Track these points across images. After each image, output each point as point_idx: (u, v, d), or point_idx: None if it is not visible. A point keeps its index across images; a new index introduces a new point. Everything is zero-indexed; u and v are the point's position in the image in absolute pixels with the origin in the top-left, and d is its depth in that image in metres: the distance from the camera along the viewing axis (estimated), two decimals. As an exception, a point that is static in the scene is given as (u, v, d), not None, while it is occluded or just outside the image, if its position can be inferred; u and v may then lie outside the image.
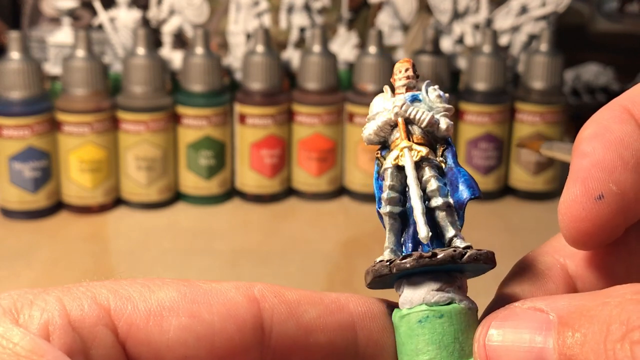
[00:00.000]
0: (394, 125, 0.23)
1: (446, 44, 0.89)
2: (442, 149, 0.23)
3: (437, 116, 0.23)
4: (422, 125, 0.23)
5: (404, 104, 0.23)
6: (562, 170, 0.87)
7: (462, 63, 0.88)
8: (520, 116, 0.84)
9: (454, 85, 0.88)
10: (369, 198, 0.83)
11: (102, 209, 0.79)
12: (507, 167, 0.86)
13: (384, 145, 0.24)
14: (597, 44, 1.17)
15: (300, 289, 0.24)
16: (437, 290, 0.22)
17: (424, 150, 0.23)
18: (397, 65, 0.24)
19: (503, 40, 0.89)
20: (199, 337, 0.22)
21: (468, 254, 0.22)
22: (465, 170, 0.23)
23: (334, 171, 0.84)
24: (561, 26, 0.95)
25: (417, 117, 0.23)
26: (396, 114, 0.23)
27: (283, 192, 0.84)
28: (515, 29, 0.90)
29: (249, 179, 0.83)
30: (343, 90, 0.84)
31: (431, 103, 0.24)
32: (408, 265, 0.22)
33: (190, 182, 0.82)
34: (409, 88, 0.24)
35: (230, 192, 0.84)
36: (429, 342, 0.22)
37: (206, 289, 0.22)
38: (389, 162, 0.23)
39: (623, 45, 1.17)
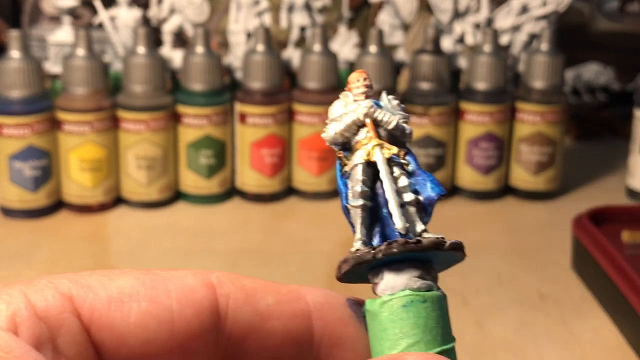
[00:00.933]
0: (361, 126, 0.25)
1: (447, 44, 0.89)
2: (403, 152, 0.25)
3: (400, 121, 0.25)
4: (389, 127, 0.25)
5: (372, 106, 0.25)
6: (562, 170, 0.87)
7: (462, 62, 0.88)
8: (520, 116, 0.84)
9: (455, 85, 0.88)
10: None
11: (102, 208, 0.79)
12: (508, 166, 0.86)
13: (345, 147, 0.25)
14: (597, 44, 1.17)
15: (259, 278, 0.25)
16: (418, 277, 0.23)
17: (395, 149, 0.24)
18: (353, 75, 0.25)
19: (504, 39, 0.89)
20: (159, 321, 0.22)
21: (450, 242, 0.23)
22: (429, 173, 0.25)
23: (334, 171, 0.84)
24: (562, 26, 0.95)
25: (385, 119, 0.25)
26: (365, 115, 0.24)
27: (283, 191, 0.84)
28: (515, 29, 0.90)
29: (249, 178, 0.83)
30: (343, 90, 0.84)
31: (392, 109, 0.25)
32: (395, 250, 0.22)
33: (191, 182, 0.82)
34: (367, 96, 0.25)
35: (231, 192, 0.84)
36: (413, 325, 0.22)
37: (164, 276, 0.23)
38: (358, 159, 0.24)
39: (623, 45, 1.17)
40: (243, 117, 0.81)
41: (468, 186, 0.85)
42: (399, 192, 0.24)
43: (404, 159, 0.24)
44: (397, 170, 0.24)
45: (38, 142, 0.76)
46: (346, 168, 0.25)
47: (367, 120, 0.24)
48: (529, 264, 0.71)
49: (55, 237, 0.74)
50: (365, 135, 0.24)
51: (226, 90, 0.82)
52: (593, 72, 1.11)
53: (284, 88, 0.83)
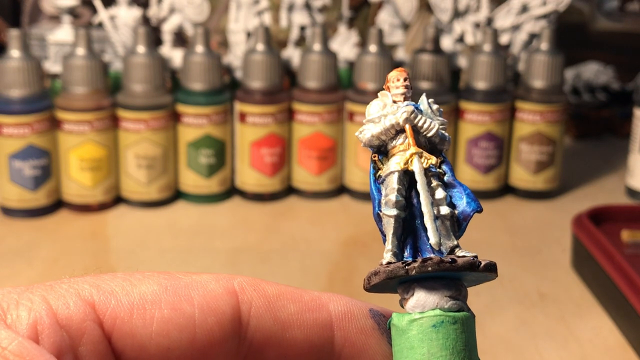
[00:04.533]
0: (400, 131, 0.24)
1: (447, 43, 0.89)
2: (439, 161, 0.24)
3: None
4: (429, 135, 0.24)
5: (413, 112, 0.23)
6: (562, 169, 0.87)
7: (462, 62, 0.88)
8: (520, 115, 0.84)
9: (455, 84, 0.88)
10: (369, 197, 0.83)
11: (102, 207, 0.79)
12: (508, 166, 0.86)
13: (380, 150, 0.24)
14: (597, 43, 1.17)
15: (282, 284, 0.24)
16: (449, 297, 0.22)
17: (434, 159, 0.23)
18: (394, 74, 0.24)
19: (503, 39, 0.89)
20: (181, 329, 0.22)
21: (484, 263, 0.22)
22: (465, 185, 0.24)
23: (334, 170, 0.84)
24: (562, 25, 0.95)
25: (425, 126, 0.24)
26: (406, 120, 0.23)
27: (283, 190, 0.84)
28: (515, 28, 0.90)
29: (249, 177, 0.83)
30: (343, 89, 0.84)
31: (432, 115, 0.24)
32: (430, 269, 0.22)
33: (191, 181, 0.82)
34: (406, 97, 0.24)
35: (231, 191, 0.84)
36: (442, 347, 0.22)
37: (187, 282, 0.23)
38: (394, 166, 0.23)
39: (623, 44, 1.17)
40: (243, 117, 0.81)
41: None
42: (434, 204, 0.23)
43: (440, 168, 0.23)
44: (434, 181, 0.23)
45: (38, 141, 0.76)
46: (380, 173, 0.24)
47: (407, 126, 0.23)
48: (528, 263, 0.71)
49: (55, 236, 0.74)
50: (403, 141, 0.23)
51: (226, 90, 0.82)
52: (593, 71, 1.11)
53: (284, 87, 0.83)
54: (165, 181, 0.81)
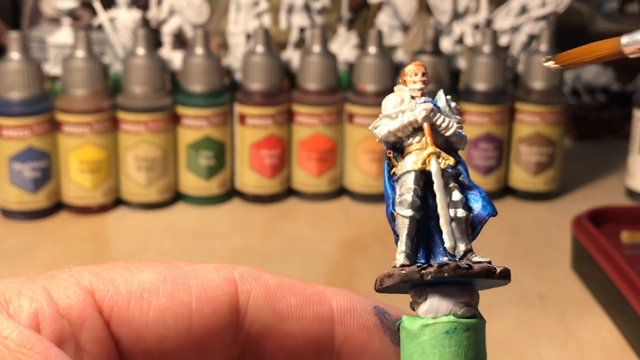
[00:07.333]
0: (417, 128, 0.23)
1: (446, 44, 0.89)
2: (455, 162, 0.23)
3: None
4: (447, 134, 0.23)
5: (432, 110, 0.23)
6: (562, 170, 0.87)
7: (462, 63, 0.88)
8: (520, 116, 0.84)
9: (454, 86, 0.88)
10: (369, 198, 0.83)
11: (102, 209, 0.79)
12: (507, 167, 0.86)
13: (394, 146, 0.23)
14: (597, 44, 1.17)
15: (286, 276, 0.24)
16: (463, 303, 0.22)
17: (451, 160, 0.23)
18: (411, 68, 0.23)
19: (503, 40, 0.89)
20: (177, 318, 0.22)
21: (500, 270, 0.22)
22: (479, 186, 0.23)
23: (333, 171, 0.84)
24: (561, 26, 0.95)
25: (444, 125, 0.23)
26: (424, 118, 0.23)
27: (283, 192, 0.84)
28: (515, 29, 0.90)
29: (248, 179, 0.83)
30: (343, 91, 0.84)
31: (450, 113, 0.23)
32: (446, 275, 0.21)
33: (190, 183, 0.82)
34: (423, 93, 0.23)
35: (230, 193, 0.84)
36: (454, 354, 0.22)
37: (186, 271, 0.23)
38: (411, 165, 0.23)
39: (623, 46, 1.17)
40: (242, 118, 0.81)
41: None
42: (450, 206, 0.22)
43: (455, 169, 0.23)
44: (450, 183, 0.22)
45: (38, 143, 0.76)
46: (395, 170, 0.23)
47: (425, 125, 0.23)
48: (528, 264, 0.71)
49: (55, 238, 0.74)
50: (420, 139, 0.23)
51: (226, 92, 0.82)
52: (592, 72, 1.11)
53: (284, 89, 0.83)
54: (165, 183, 0.81)
